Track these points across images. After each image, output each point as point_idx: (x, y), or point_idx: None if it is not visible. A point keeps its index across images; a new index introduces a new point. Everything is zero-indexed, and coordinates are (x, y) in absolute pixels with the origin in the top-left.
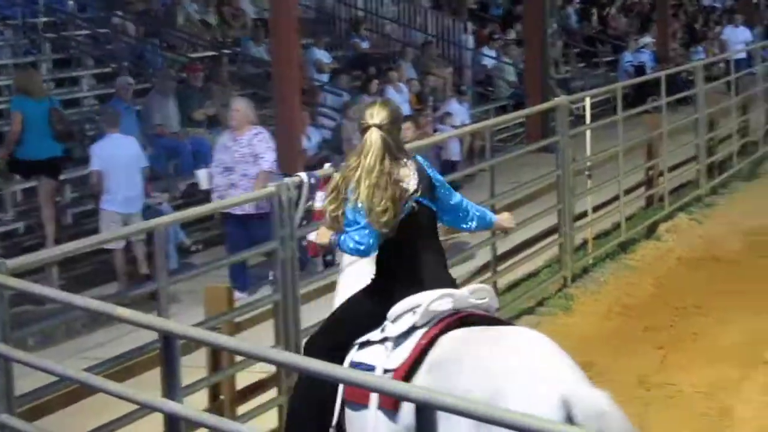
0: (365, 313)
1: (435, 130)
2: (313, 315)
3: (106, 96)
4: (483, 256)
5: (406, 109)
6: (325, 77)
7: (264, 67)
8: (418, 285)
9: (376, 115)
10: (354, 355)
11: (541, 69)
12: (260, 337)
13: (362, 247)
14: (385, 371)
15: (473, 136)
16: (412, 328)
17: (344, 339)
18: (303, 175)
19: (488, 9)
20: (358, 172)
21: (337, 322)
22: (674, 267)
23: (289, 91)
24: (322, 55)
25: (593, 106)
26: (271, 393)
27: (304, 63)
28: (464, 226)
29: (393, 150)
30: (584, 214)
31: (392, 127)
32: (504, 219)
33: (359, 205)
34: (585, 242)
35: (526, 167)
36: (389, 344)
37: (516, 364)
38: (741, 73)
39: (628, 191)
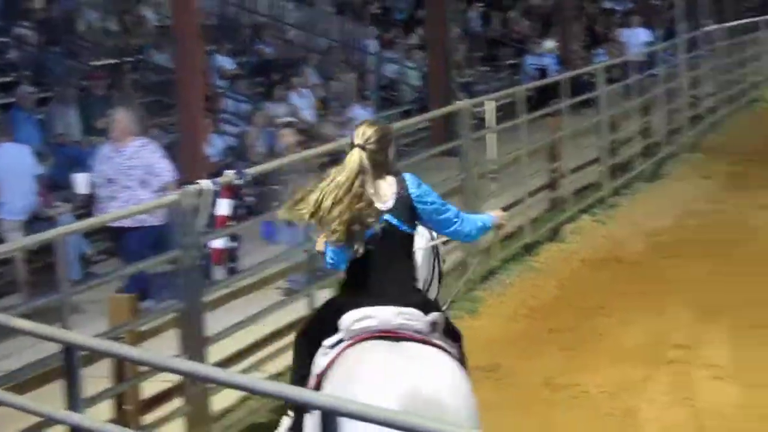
0: (324, 318)
1: (339, 136)
2: (218, 323)
3: (8, 105)
4: None
5: (310, 115)
6: (227, 84)
7: (167, 74)
8: (371, 300)
9: (361, 135)
10: (317, 355)
11: (444, 73)
12: (165, 346)
13: (331, 262)
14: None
15: None
16: (340, 341)
17: (316, 337)
18: (205, 183)
19: (391, 13)
20: (329, 187)
21: (311, 319)
22: (578, 268)
23: (192, 98)
24: (225, 62)
25: (496, 109)
26: (177, 402)
27: (207, 70)
28: (463, 238)
29: (373, 169)
30: None
31: (377, 146)
32: (502, 215)
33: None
34: (490, 246)
35: (430, 171)
36: (325, 351)
37: (373, 375)
38: (641, 75)
39: (531, 193)
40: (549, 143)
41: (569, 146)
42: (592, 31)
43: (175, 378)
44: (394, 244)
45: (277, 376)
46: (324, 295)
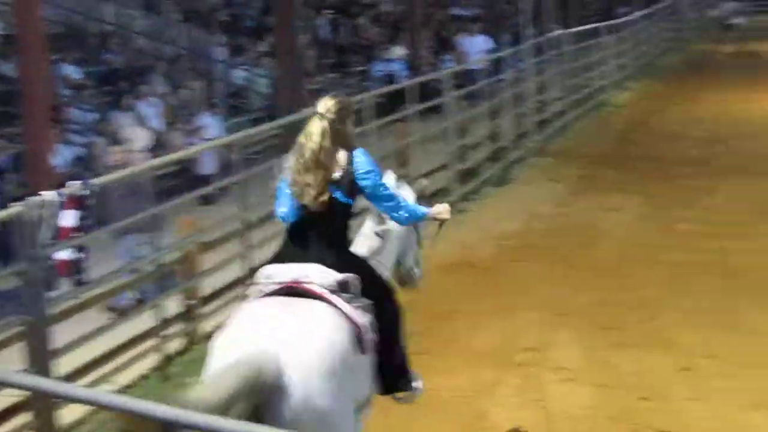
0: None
1: (188, 144)
2: (65, 335)
3: None
4: (235, 270)
5: (158, 124)
6: (74, 93)
7: (13, 84)
8: (292, 257)
9: (322, 105)
10: None
11: (294, 80)
12: (12, 360)
13: (282, 214)
14: None
15: (227, 149)
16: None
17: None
18: (49, 194)
19: (240, 21)
20: (296, 151)
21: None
22: (430, 273)
23: (38, 109)
24: (72, 71)
25: None
26: (26, 416)
27: (52, 79)
28: (395, 215)
29: (332, 138)
30: None
31: (337, 116)
32: (438, 211)
33: (288, 178)
34: None
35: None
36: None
37: (237, 328)
38: (487, 80)
39: None
40: (398, 149)
41: (418, 152)
42: (440, 38)
43: (23, 392)
44: (331, 212)
45: (127, 388)
46: (172, 304)
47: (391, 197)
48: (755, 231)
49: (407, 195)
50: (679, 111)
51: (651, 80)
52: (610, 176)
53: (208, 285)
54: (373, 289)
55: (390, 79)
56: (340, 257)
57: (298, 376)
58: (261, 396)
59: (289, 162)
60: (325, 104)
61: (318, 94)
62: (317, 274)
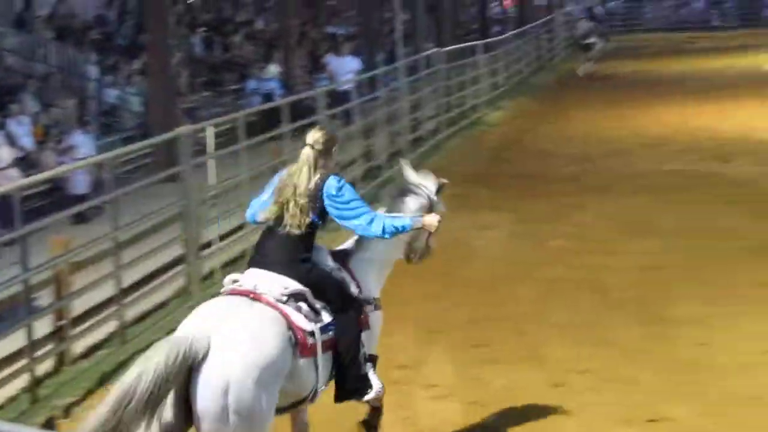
0: None
1: (60, 163)
2: None
3: None
4: (107, 289)
5: (29, 143)
6: None
7: None
8: (257, 264)
9: (312, 137)
10: None
11: (167, 98)
12: None
13: (249, 217)
14: None
15: (99, 168)
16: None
17: None
18: None
19: (113, 39)
20: (285, 175)
21: None
22: None
23: None
24: None
25: (221, 134)
26: None
27: None
28: (369, 233)
29: (315, 164)
30: (212, 243)
31: (323, 147)
32: (428, 222)
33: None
34: (213, 271)
35: (154, 198)
36: None
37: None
38: (353, 101)
39: None
40: (271, 168)
41: None
42: (314, 56)
43: None
44: (303, 229)
45: None
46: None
47: (359, 217)
48: (623, 248)
49: (411, 203)
50: (551, 129)
51: (524, 98)
52: (484, 194)
53: (80, 305)
54: (334, 300)
55: (266, 97)
56: (300, 270)
57: (219, 360)
58: (183, 374)
59: (277, 181)
60: (314, 136)
61: (191, 112)
62: (272, 285)
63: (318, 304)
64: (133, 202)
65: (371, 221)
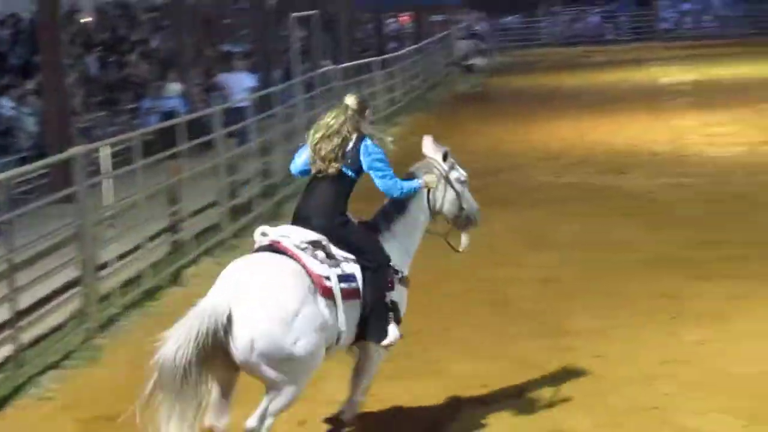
0: None
1: None
2: None
3: None
4: (2, 312)
5: None
6: None
7: None
8: (296, 215)
9: (348, 99)
10: None
11: (62, 118)
12: None
13: (295, 170)
14: None
15: None
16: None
17: None
18: None
19: (6, 59)
20: (319, 125)
21: None
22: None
23: None
24: None
25: (118, 153)
26: None
27: None
28: (390, 190)
29: (351, 124)
30: (108, 264)
31: (358, 107)
32: (426, 180)
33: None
34: (110, 292)
35: (50, 219)
36: None
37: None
38: (249, 118)
39: (152, 238)
40: (168, 186)
41: (191, 189)
42: (210, 74)
43: None
44: (335, 181)
45: None
46: None
47: (386, 176)
48: (526, 261)
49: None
50: (449, 144)
51: (421, 114)
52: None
53: None
54: (365, 248)
55: (168, 115)
56: (333, 222)
57: (241, 320)
58: (217, 336)
59: (313, 132)
60: (350, 98)
61: (87, 132)
62: (293, 235)
63: (339, 255)
64: (29, 224)
65: (393, 178)
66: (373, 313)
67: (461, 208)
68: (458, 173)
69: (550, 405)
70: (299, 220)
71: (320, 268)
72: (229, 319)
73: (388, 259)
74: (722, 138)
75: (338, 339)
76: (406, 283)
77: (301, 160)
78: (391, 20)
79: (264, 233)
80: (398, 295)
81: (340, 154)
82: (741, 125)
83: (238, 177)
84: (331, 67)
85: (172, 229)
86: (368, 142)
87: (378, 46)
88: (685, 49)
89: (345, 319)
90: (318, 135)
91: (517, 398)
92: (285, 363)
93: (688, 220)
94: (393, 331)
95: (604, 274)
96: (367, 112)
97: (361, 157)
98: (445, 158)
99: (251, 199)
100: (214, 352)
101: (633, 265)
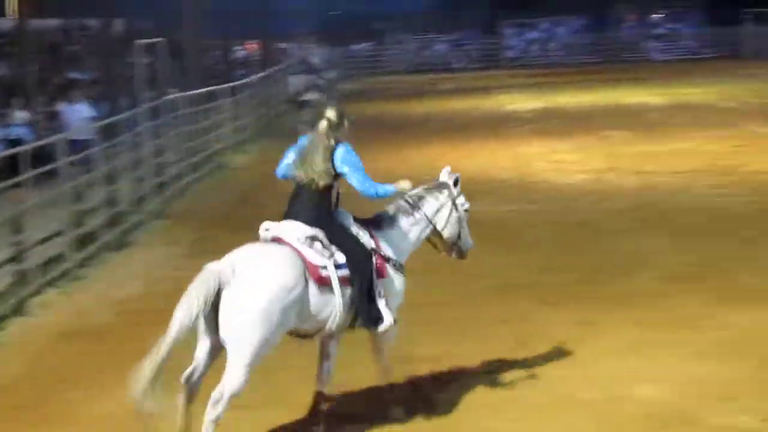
0: None
1: None
2: None
3: None
4: None
5: None
6: None
7: None
8: (286, 215)
9: (328, 111)
10: None
11: None
12: None
13: (278, 173)
14: None
15: None
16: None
17: None
18: None
19: None
20: (305, 141)
21: None
22: (47, 343)
23: None
24: None
25: None
26: None
27: None
28: (366, 191)
29: (328, 133)
30: None
31: (336, 120)
32: (402, 187)
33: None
34: None
35: None
36: None
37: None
38: (93, 147)
39: None
40: (12, 216)
41: (37, 218)
42: (54, 103)
43: None
44: (323, 186)
45: None
46: None
47: (361, 179)
48: None
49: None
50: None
51: (269, 141)
52: (227, 239)
53: None
54: (345, 244)
55: (14, 143)
56: (319, 218)
57: (239, 284)
58: (215, 296)
59: (301, 145)
60: (330, 111)
61: None
62: (294, 231)
63: (333, 246)
64: None
65: (368, 179)
66: (363, 299)
67: (459, 237)
68: (464, 200)
69: None
70: (291, 216)
71: (315, 258)
72: (228, 282)
73: (363, 246)
74: (568, 165)
75: (333, 322)
76: (403, 270)
77: (285, 162)
78: (239, 48)
79: (267, 229)
80: (391, 282)
81: (330, 167)
82: (585, 153)
83: (83, 206)
84: (177, 94)
85: (16, 258)
86: (347, 147)
87: (226, 73)
88: (532, 77)
89: (343, 304)
90: (308, 159)
91: (362, 424)
92: (251, 329)
93: (535, 246)
94: (388, 316)
95: (451, 299)
96: (346, 122)
97: (337, 162)
98: (456, 183)
99: (97, 228)
100: (214, 313)
101: (483, 291)
